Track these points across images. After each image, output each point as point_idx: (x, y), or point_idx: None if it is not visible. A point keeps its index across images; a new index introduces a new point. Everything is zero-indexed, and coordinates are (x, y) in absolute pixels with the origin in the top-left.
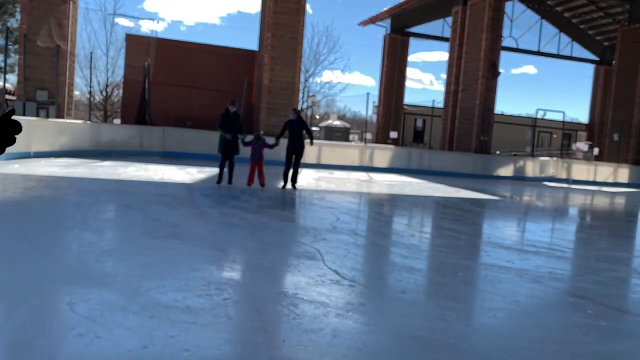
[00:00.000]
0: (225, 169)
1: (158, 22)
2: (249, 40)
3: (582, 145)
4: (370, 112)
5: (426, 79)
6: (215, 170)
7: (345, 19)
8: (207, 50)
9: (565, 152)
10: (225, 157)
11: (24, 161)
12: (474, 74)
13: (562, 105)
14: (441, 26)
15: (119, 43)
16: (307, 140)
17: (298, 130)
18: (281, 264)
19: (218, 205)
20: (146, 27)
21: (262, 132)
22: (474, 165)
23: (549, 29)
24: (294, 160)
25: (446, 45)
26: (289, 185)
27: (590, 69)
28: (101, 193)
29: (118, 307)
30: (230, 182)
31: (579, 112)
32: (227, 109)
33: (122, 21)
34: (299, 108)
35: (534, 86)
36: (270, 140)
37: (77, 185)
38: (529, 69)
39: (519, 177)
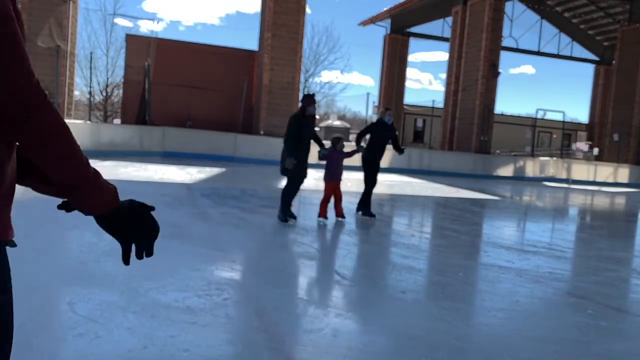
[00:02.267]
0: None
1: (158, 23)
2: (249, 41)
3: (582, 145)
4: (370, 112)
5: (425, 79)
6: (216, 171)
7: (345, 19)
8: (207, 50)
9: (565, 152)
10: (299, 183)
11: None
12: (474, 74)
13: (561, 105)
14: (441, 26)
15: (119, 43)
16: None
17: (386, 139)
18: (281, 264)
19: (218, 205)
20: (145, 27)
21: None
22: (474, 165)
23: (549, 29)
24: (370, 178)
25: (445, 45)
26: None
27: (590, 69)
28: None
29: (118, 307)
30: (291, 216)
31: (579, 112)
32: (301, 111)
33: (121, 21)
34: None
35: (532, 86)
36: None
37: None
38: (527, 68)
39: (519, 177)
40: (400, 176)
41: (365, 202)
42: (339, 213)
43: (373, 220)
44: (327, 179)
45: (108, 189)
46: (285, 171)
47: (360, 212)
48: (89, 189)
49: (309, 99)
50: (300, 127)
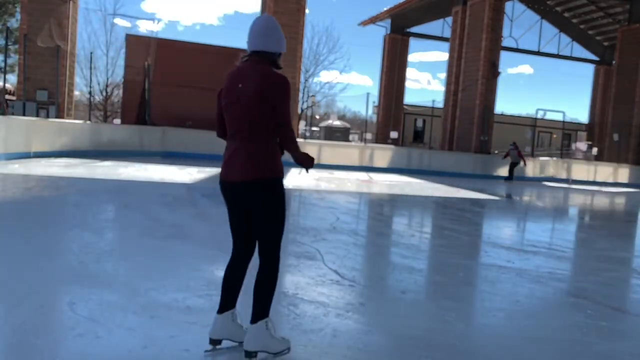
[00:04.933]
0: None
1: (158, 23)
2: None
3: (582, 145)
4: (370, 112)
5: (423, 79)
6: (216, 171)
7: (345, 19)
8: (207, 50)
9: (565, 152)
10: None
11: (24, 161)
12: (474, 74)
13: (559, 105)
14: (441, 26)
15: (119, 43)
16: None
17: None
18: (281, 264)
19: (218, 205)
20: (144, 27)
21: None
22: (474, 165)
23: (549, 29)
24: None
25: (443, 45)
26: None
27: (590, 69)
28: (101, 193)
29: (118, 307)
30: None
31: (578, 112)
32: None
33: (120, 21)
34: (299, 109)
35: (530, 86)
36: None
37: (77, 186)
38: (526, 68)
39: (519, 177)
40: (400, 176)
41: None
42: None
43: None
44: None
45: (307, 157)
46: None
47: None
48: (298, 158)
49: None
50: None
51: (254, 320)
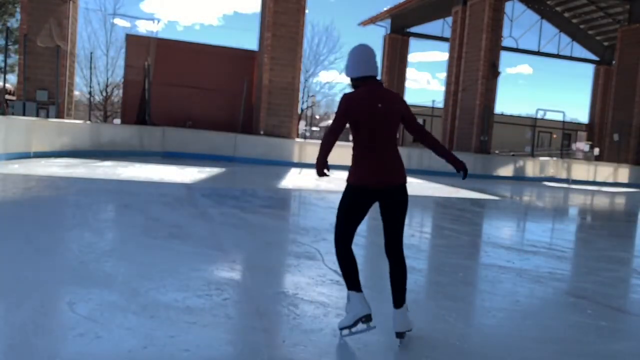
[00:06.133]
0: None
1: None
2: (247, 41)
3: (582, 145)
4: None
5: (422, 78)
6: (216, 171)
7: (345, 19)
8: (207, 50)
9: (565, 152)
10: None
11: (24, 161)
12: (474, 74)
13: (558, 105)
14: (441, 26)
15: (119, 43)
16: None
17: None
18: (281, 264)
19: (218, 205)
20: (143, 28)
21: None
22: (474, 165)
23: (549, 29)
24: None
25: (441, 44)
26: None
27: (590, 69)
28: (101, 193)
29: (118, 307)
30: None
31: (578, 112)
32: None
33: (119, 21)
34: (299, 109)
35: (530, 86)
36: None
37: (77, 185)
38: (524, 68)
39: (519, 177)
40: None
41: None
42: None
43: None
44: None
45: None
46: None
47: None
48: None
49: None
50: None
51: (400, 305)
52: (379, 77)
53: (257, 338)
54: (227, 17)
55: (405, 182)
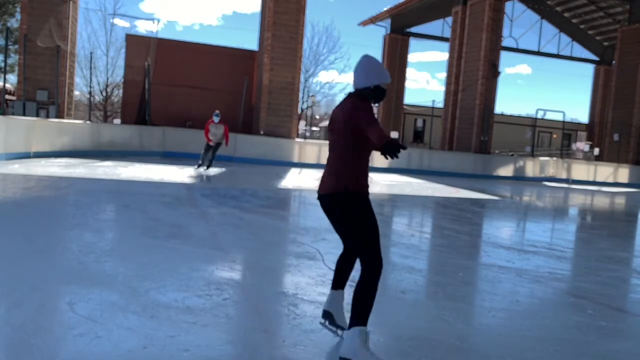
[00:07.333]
0: None
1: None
2: (247, 41)
3: (582, 145)
4: None
5: (422, 78)
6: (216, 171)
7: (344, 19)
8: (207, 50)
9: (565, 152)
10: None
11: (24, 161)
12: (474, 74)
13: (558, 105)
14: (441, 26)
15: (119, 43)
16: None
17: None
18: (281, 264)
19: (218, 205)
20: (143, 28)
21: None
22: (474, 165)
23: (549, 29)
24: None
25: (441, 44)
26: None
27: (590, 69)
28: (101, 193)
29: (118, 307)
30: None
31: (578, 112)
32: None
33: (119, 21)
34: (299, 109)
35: (530, 86)
36: None
37: (77, 185)
38: (524, 68)
39: (519, 177)
40: (400, 176)
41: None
42: None
43: None
44: None
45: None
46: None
47: None
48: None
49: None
50: None
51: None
52: (358, 87)
53: (257, 338)
54: (226, 17)
55: (331, 192)
